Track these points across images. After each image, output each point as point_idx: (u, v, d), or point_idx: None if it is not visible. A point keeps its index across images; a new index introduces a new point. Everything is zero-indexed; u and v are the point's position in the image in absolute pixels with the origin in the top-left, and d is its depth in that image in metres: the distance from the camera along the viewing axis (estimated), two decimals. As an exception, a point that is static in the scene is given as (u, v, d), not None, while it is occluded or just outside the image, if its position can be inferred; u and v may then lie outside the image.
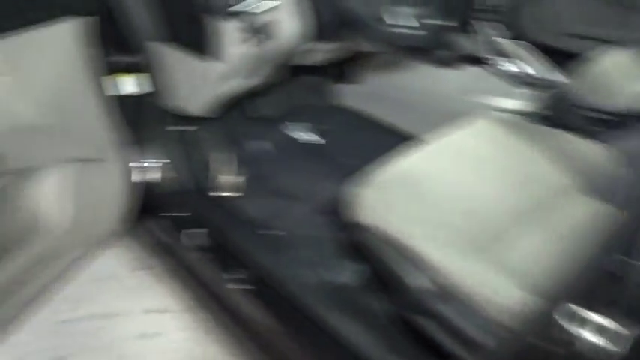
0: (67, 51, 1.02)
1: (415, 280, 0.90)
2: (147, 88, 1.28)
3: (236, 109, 1.46)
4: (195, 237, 1.37)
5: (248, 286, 1.27)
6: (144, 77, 1.27)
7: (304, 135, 1.76)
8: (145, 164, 1.32)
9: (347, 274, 1.21)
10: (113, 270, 1.74)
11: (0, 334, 1.17)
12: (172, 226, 1.43)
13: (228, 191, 1.48)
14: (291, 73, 1.48)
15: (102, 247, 1.40)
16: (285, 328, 1.18)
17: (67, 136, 1.03)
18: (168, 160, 1.38)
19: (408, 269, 0.91)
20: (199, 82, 1.21)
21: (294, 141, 1.75)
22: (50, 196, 1.07)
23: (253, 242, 1.32)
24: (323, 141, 1.74)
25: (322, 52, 1.38)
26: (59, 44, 1.00)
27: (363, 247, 1.02)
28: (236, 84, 1.28)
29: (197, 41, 1.15)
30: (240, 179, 1.53)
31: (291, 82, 1.64)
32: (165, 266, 1.68)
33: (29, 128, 0.94)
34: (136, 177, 1.30)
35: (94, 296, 1.63)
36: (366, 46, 1.47)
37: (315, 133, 1.76)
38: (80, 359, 1.45)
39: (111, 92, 1.17)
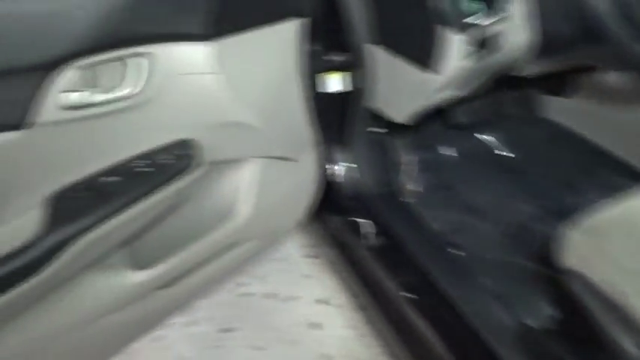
0: (283, 52, 1.06)
1: (628, 345, 0.77)
2: (352, 86, 1.29)
3: (433, 116, 1.41)
4: (369, 236, 1.36)
5: (414, 296, 1.23)
6: (350, 76, 1.28)
7: (497, 146, 1.64)
8: (334, 165, 1.34)
9: (536, 314, 1.10)
10: (287, 252, 1.83)
11: (184, 301, 1.29)
12: (347, 222, 1.44)
13: (411, 198, 1.44)
14: (497, 82, 1.38)
15: (283, 237, 1.48)
16: (449, 347, 1.12)
17: (268, 135, 1.07)
18: (355, 161, 1.39)
19: (620, 330, 0.79)
20: (412, 92, 1.18)
21: (485, 152, 1.64)
22: (239, 188, 1.13)
23: (428, 254, 1.26)
24: (516, 155, 1.61)
25: (542, 64, 1.25)
26: (277, 45, 1.04)
27: (565, 292, 0.91)
28: (447, 96, 1.22)
29: (420, 51, 1.11)
30: (424, 187, 1.48)
31: (495, 91, 1.53)
32: (331, 258, 1.72)
33: (234, 125, 0.99)
34: (322, 176, 1.32)
35: (269, 276, 1.74)
36: (599, 62, 1.30)
37: (509, 146, 1.63)
38: (248, 334, 1.55)
39: (319, 89, 1.20)
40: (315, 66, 1.18)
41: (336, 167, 1.37)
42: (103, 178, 0.84)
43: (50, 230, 0.76)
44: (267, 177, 1.13)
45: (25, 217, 0.77)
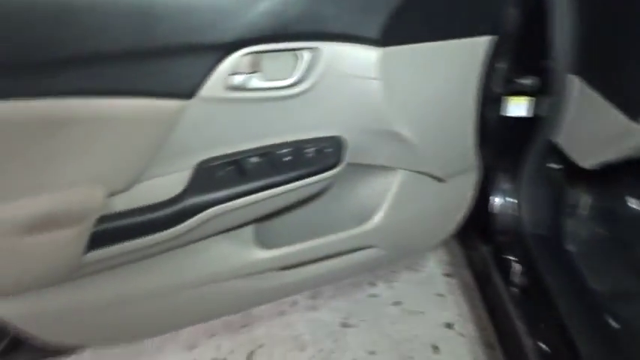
0: (463, 68, 1.00)
1: None
2: (535, 114, 1.18)
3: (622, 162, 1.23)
4: (514, 274, 1.26)
5: (549, 350, 1.11)
6: (536, 103, 1.17)
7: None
8: (493, 194, 1.25)
9: None
10: (426, 265, 1.78)
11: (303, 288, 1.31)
12: (492, 253, 1.33)
13: (574, 246, 1.29)
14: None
15: (418, 253, 1.43)
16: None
17: (422, 150, 1.03)
18: (518, 193, 1.27)
19: None
20: (608, 139, 1.02)
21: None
22: (377, 195, 1.10)
23: (578, 314, 1.12)
24: None
25: None
26: (457, 60, 0.98)
27: None
28: None
29: (634, 96, 0.95)
30: (594, 238, 1.31)
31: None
32: (467, 282, 1.63)
33: (387, 133, 0.97)
34: (474, 201, 1.24)
35: (402, 284, 1.71)
36: None
37: None
38: (365, 336, 1.54)
39: (498, 113, 1.12)
40: (499, 87, 1.10)
41: (496, 198, 1.28)
42: (250, 158, 0.88)
43: (190, 193, 0.83)
44: (409, 190, 1.09)
45: (177, 176, 0.85)
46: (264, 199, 0.87)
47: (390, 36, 0.87)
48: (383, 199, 1.07)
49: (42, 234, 0.74)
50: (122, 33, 0.72)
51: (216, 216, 0.84)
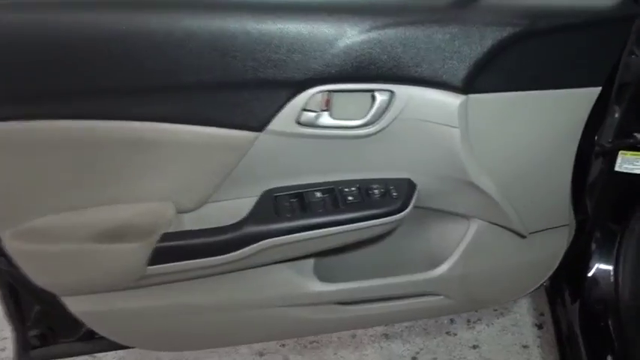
0: (557, 121, 0.91)
1: None
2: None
3: None
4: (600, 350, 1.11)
5: None
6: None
7: None
8: (591, 257, 1.11)
9: None
10: (515, 310, 1.65)
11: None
12: (584, 322, 1.19)
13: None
14: None
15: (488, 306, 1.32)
16: None
17: (501, 203, 0.95)
18: (619, 257, 1.12)
19: None
20: None
21: None
22: (446, 242, 1.03)
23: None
24: None
25: None
26: (551, 112, 0.89)
27: None
28: None
29: None
30: None
31: None
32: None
33: (463, 183, 0.90)
34: (559, 261, 1.12)
35: (485, 327, 1.61)
36: None
37: None
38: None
39: (608, 168, 1.00)
40: (610, 140, 0.98)
41: (594, 259, 1.13)
42: (314, 192, 0.88)
43: (252, 221, 0.85)
44: (484, 242, 1.01)
45: (243, 201, 0.87)
46: (324, 236, 0.86)
47: (475, 82, 0.82)
48: (454, 248, 1.01)
49: (112, 243, 0.81)
50: (204, 67, 0.76)
51: (274, 246, 0.85)
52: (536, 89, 0.86)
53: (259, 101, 0.79)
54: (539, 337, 1.57)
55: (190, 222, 0.87)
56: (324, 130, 0.83)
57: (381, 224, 0.87)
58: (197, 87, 0.78)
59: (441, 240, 1.03)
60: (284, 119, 0.80)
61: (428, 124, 0.84)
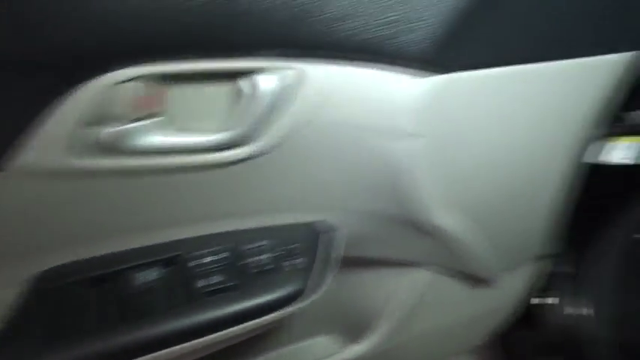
0: (561, 108, 0.56)
1: None
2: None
3: None
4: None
5: None
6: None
7: None
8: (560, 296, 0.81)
9: None
10: None
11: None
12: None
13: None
14: None
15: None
16: None
17: (476, 245, 0.59)
18: (591, 286, 0.83)
19: None
20: None
21: None
22: (383, 299, 0.67)
23: None
24: None
25: None
26: (556, 91, 0.54)
27: None
28: None
29: None
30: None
31: None
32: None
33: (423, 225, 0.53)
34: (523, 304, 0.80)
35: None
36: None
37: None
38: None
39: (591, 159, 0.67)
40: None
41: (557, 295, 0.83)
42: (139, 273, 0.45)
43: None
44: (431, 293, 0.65)
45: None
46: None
47: (449, 51, 0.45)
48: (392, 311, 0.63)
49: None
50: None
51: None
52: (539, 61, 0.50)
53: None
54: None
55: None
56: (152, 159, 0.41)
57: (261, 324, 0.48)
58: None
59: (372, 300, 0.65)
60: (53, 139, 0.38)
61: (365, 132, 0.45)
